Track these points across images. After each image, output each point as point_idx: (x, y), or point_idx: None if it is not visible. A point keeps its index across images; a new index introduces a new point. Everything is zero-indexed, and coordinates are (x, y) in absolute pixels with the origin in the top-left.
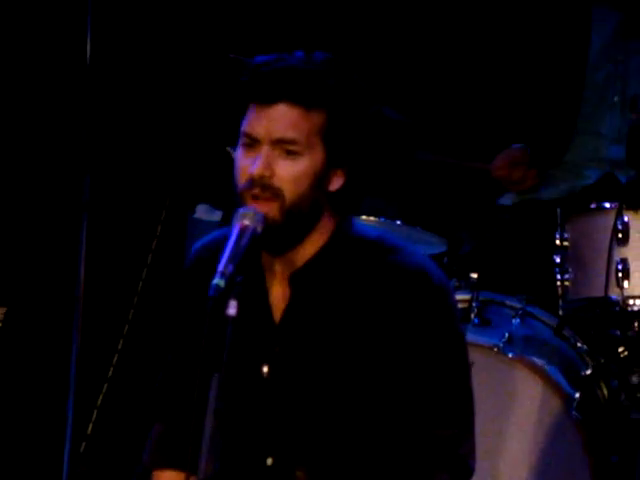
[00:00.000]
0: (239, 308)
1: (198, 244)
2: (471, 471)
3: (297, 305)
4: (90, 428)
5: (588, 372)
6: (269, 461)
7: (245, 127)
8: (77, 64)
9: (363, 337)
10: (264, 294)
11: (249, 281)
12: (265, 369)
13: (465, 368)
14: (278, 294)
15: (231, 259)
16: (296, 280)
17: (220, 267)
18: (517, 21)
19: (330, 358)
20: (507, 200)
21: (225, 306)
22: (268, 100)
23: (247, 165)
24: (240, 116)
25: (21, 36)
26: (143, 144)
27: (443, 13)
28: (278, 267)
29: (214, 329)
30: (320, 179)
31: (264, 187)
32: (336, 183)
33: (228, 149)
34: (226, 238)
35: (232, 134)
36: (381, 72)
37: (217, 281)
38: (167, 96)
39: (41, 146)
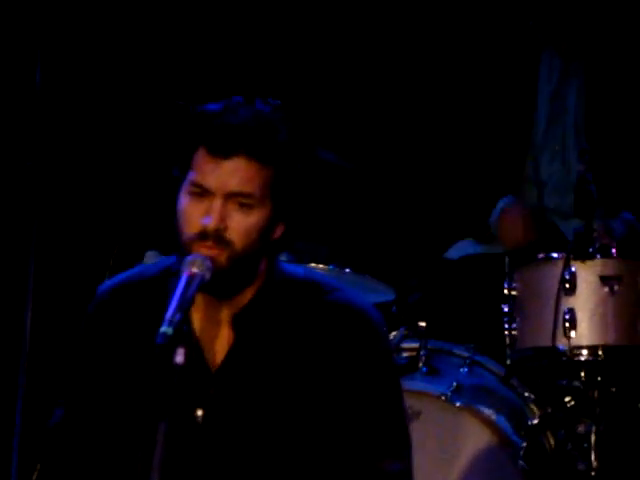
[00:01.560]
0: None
1: (103, 287)
2: None
3: (240, 347)
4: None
5: (535, 421)
6: None
7: (196, 177)
8: (27, 96)
9: (303, 378)
10: (195, 338)
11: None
12: (199, 413)
13: (402, 405)
14: (217, 338)
15: (179, 307)
16: (239, 322)
17: (168, 315)
18: (466, 66)
19: (270, 400)
20: (454, 254)
21: (172, 354)
22: (224, 153)
23: (197, 215)
24: (185, 162)
25: None
26: (91, 190)
27: (395, 57)
28: (218, 311)
29: (153, 377)
30: (266, 231)
31: (216, 239)
32: (277, 233)
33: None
34: (131, 281)
35: (179, 181)
36: (332, 115)
37: (165, 329)
38: (116, 141)
39: None
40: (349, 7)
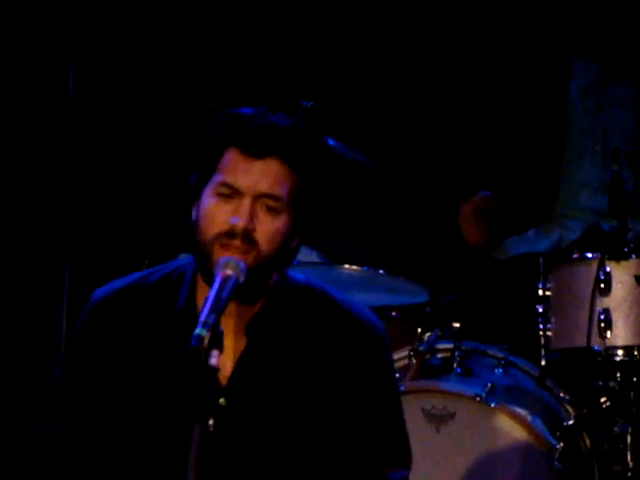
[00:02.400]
0: (179, 362)
1: (98, 293)
2: None
3: (250, 355)
4: None
5: (570, 422)
6: None
7: (226, 177)
8: (60, 106)
9: (311, 386)
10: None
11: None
12: (210, 422)
13: (403, 416)
14: (227, 345)
15: (213, 308)
16: (252, 329)
17: (202, 317)
18: (497, 69)
19: (279, 407)
20: (502, 253)
21: (207, 357)
22: (259, 153)
23: (224, 215)
24: (211, 164)
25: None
26: (124, 193)
27: (421, 59)
28: (231, 319)
29: (181, 380)
30: (288, 238)
31: (245, 240)
32: (294, 243)
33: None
34: (125, 287)
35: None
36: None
37: (199, 331)
38: (149, 143)
39: (23, 194)
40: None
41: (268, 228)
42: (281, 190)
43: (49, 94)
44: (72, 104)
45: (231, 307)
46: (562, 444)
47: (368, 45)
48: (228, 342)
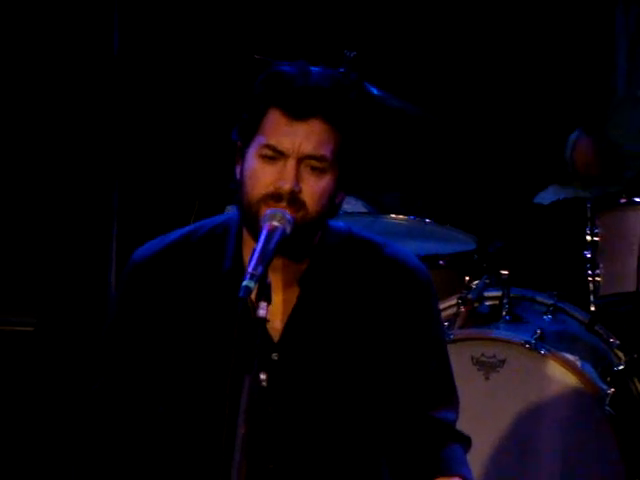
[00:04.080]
0: (228, 316)
1: (139, 253)
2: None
3: (304, 308)
4: None
5: (621, 367)
6: (270, 467)
7: (269, 139)
8: (104, 63)
9: (363, 335)
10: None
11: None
12: (263, 377)
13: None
14: (275, 300)
15: (260, 260)
16: (305, 282)
17: (250, 268)
18: (544, 18)
19: (333, 358)
20: (545, 198)
21: (255, 308)
22: (301, 115)
23: (269, 177)
24: (254, 124)
25: (49, 33)
26: (170, 147)
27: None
28: (279, 274)
29: (229, 331)
30: (333, 196)
31: (291, 201)
32: (338, 199)
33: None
34: (168, 246)
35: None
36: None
37: (247, 283)
38: (193, 98)
39: (69, 150)
40: None
41: (314, 188)
42: (325, 150)
43: (94, 49)
44: (117, 59)
45: (278, 262)
46: (613, 389)
47: None
48: (276, 297)
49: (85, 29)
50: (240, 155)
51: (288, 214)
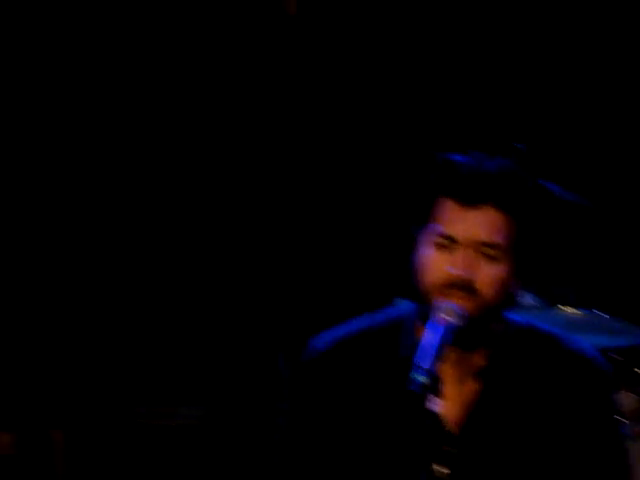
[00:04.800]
0: (396, 408)
1: (318, 343)
2: None
3: (486, 400)
4: None
5: None
6: None
7: (443, 227)
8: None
9: (545, 428)
10: None
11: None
12: (445, 471)
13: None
14: (455, 393)
15: (429, 354)
16: (487, 375)
17: (424, 364)
18: None
19: (514, 452)
20: None
21: (428, 401)
22: (474, 202)
23: (442, 265)
24: (425, 213)
25: None
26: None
27: None
28: (453, 366)
29: (399, 427)
30: (508, 284)
31: (464, 289)
32: (514, 287)
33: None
34: (352, 335)
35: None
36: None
37: (416, 375)
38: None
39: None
40: None
41: (488, 276)
42: (498, 238)
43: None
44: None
45: (452, 354)
46: None
47: (575, 84)
48: (451, 390)
49: None
50: (414, 244)
51: (458, 307)
